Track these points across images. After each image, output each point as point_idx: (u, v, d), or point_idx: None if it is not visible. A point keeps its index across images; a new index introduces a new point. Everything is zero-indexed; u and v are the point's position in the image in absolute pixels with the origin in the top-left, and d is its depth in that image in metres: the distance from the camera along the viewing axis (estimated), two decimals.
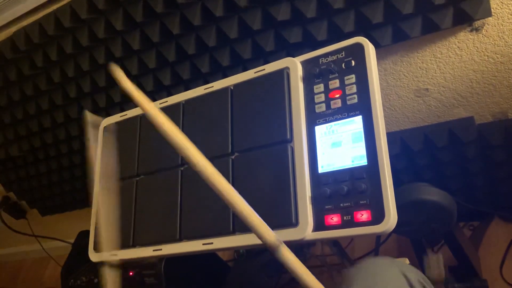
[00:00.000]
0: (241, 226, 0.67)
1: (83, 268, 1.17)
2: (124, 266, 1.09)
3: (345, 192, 0.61)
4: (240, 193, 0.69)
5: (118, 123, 0.91)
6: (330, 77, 0.68)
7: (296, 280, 0.47)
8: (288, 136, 0.67)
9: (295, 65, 0.71)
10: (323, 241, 1.07)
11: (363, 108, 0.63)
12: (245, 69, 1.04)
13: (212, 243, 0.70)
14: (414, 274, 0.60)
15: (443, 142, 1.00)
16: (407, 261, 0.75)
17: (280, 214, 0.63)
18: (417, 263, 1.01)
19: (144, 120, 0.87)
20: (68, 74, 1.20)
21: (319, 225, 0.62)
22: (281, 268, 0.47)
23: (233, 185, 0.70)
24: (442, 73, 0.95)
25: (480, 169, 1.03)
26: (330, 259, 1.19)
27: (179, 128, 0.80)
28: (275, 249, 0.46)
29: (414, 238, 1.01)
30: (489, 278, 0.98)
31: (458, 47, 0.90)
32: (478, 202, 1.10)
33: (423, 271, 0.95)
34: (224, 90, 0.77)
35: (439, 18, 0.84)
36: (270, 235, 0.47)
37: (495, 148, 0.99)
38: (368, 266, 0.61)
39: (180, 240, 0.74)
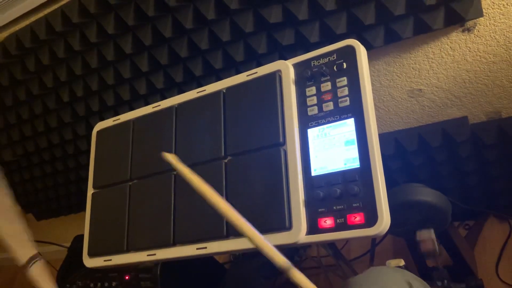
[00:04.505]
0: (235, 230, 0.67)
1: (79, 272, 1.16)
2: (120, 270, 1.08)
3: (338, 194, 0.61)
4: (233, 196, 0.69)
5: (111, 128, 0.91)
6: (322, 79, 0.68)
7: (292, 283, 0.48)
8: (281, 139, 0.67)
9: (287, 68, 0.70)
10: (318, 244, 1.07)
11: (355, 110, 0.63)
12: (238, 71, 1.03)
13: (206, 248, 0.69)
14: (418, 283, 0.60)
15: (437, 142, 1.00)
16: (402, 262, 0.75)
17: (273, 218, 0.63)
18: (413, 263, 1.01)
19: (137, 124, 0.86)
20: (61, 78, 1.19)
21: (313, 229, 0.62)
22: (277, 270, 0.48)
23: (226, 188, 0.70)
24: (435, 73, 0.95)
25: (474, 169, 1.03)
26: (326, 261, 1.19)
27: (172, 132, 0.80)
28: (287, 271, 0.48)
29: (409, 238, 1.01)
30: (484, 277, 0.98)
31: (450, 47, 0.90)
32: (473, 202, 1.10)
33: (417, 258, 0.96)
34: (216, 93, 0.77)
35: (430, 19, 0.84)
36: (281, 258, 0.48)
37: (489, 148, 0.99)
38: (373, 274, 0.61)
39: (174, 244, 0.73)
